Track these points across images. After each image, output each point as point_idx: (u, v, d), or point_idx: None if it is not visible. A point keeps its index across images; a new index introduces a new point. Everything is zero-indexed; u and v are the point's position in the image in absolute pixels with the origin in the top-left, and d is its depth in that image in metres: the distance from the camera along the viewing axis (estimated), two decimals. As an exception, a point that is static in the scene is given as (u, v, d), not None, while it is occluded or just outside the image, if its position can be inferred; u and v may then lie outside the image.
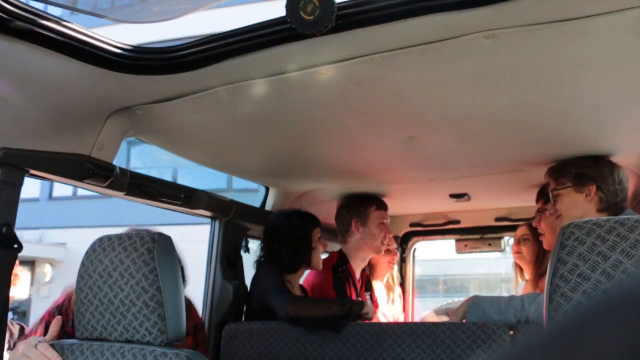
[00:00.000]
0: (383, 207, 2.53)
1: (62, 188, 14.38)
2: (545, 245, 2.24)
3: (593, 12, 1.04)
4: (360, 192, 2.51)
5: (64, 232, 13.77)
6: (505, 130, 1.70)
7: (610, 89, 1.39)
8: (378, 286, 2.92)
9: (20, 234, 1.40)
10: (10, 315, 2.78)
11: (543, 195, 2.23)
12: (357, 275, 2.54)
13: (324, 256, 2.59)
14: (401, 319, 3.04)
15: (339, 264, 2.47)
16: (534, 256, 2.48)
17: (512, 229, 2.97)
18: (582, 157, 1.92)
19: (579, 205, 1.85)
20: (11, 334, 2.64)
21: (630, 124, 1.65)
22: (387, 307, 2.88)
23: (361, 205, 2.48)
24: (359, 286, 2.54)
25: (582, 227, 1.01)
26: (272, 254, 2.26)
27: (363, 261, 2.57)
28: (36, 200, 14.58)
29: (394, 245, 3.01)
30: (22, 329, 2.70)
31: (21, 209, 1.40)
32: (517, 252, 2.58)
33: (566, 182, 1.92)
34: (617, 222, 0.99)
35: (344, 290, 2.40)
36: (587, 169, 1.89)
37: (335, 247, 2.66)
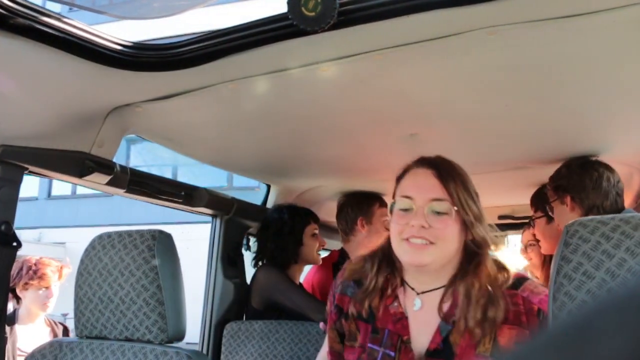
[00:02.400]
0: (385, 204, 2.53)
1: (61, 187, 14.38)
2: (542, 250, 2.25)
3: (596, 8, 1.03)
4: (362, 189, 2.50)
5: (63, 232, 13.78)
6: (507, 127, 1.70)
7: (615, 85, 1.38)
8: None
9: (18, 233, 1.40)
10: (60, 317, 2.77)
11: (536, 203, 2.25)
12: (360, 273, 2.53)
13: (324, 254, 2.58)
14: None
15: (340, 262, 2.46)
16: (540, 260, 2.48)
17: (515, 227, 2.96)
18: (560, 168, 1.98)
19: (566, 216, 1.89)
20: (55, 335, 2.60)
21: (637, 120, 1.65)
22: None
23: (365, 204, 2.47)
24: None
25: (586, 225, 1.01)
26: (261, 248, 2.28)
27: None
28: (35, 199, 14.57)
29: None
30: (65, 330, 2.67)
31: (20, 208, 1.39)
32: (529, 259, 2.57)
33: (553, 195, 2.00)
34: (622, 220, 0.99)
35: None
36: (560, 180, 1.95)
37: (335, 244, 2.65)
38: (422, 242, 1.17)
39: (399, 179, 1.28)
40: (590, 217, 1.03)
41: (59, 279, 2.57)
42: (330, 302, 1.38)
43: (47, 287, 2.51)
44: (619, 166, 1.93)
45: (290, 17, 1.09)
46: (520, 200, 2.41)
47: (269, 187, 2.51)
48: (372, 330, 1.26)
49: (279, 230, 2.24)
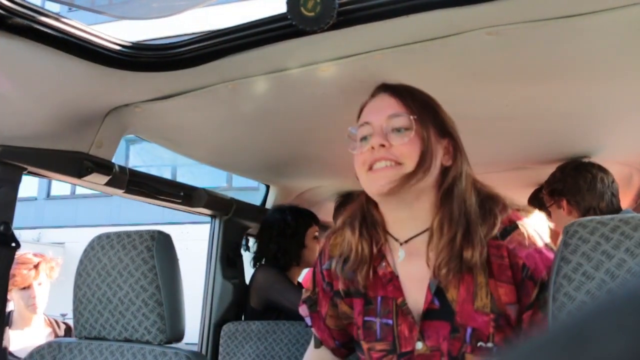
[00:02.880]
0: None
1: (60, 187, 14.37)
2: None
3: (596, 8, 1.03)
4: (361, 190, 2.50)
5: (62, 232, 13.77)
6: (507, 127, 1.70)
7: (614, 86, 1.38)
8: None
9: (17, 233, 1.39)
10: (59, 318, 2.64)
11: (534, 205, 2.25)
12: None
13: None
14: None
15: None
16: None
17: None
18: (554, 172, 1.99)
19: (563, 220, 1.90)
20: (56, 336, 2.44)
21: (637, 120, 1.65)
22: None
23: None
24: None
25: (585, 226, 1.00)
26: (262, 249, 2.26)
27: None
28: (34, 199, 14.57)
29: None
30: (68, 329, 2.51)
31: (19, 208, 1.39)
32: None
33: (549, 200, 2.01)
34: (622, 221, 0.98)
35: None
36: (555, 184, 1.97)
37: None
38: (386, 164, 1.05)
39: (358, 116, 1.17)
40: (589, 217, 1.03)
41: (36, 276, 2.29)
42: (318, 282, 1.25)
43: (27, 287, 2.27)
44: (618, 166, 1.93)
45: (289, 17, 1.09)
46: (519, 201, 2.41)
47: (268, 187, 2.51)
48: (365, 302, 1.13)
49: (282, 231, 2.21)
